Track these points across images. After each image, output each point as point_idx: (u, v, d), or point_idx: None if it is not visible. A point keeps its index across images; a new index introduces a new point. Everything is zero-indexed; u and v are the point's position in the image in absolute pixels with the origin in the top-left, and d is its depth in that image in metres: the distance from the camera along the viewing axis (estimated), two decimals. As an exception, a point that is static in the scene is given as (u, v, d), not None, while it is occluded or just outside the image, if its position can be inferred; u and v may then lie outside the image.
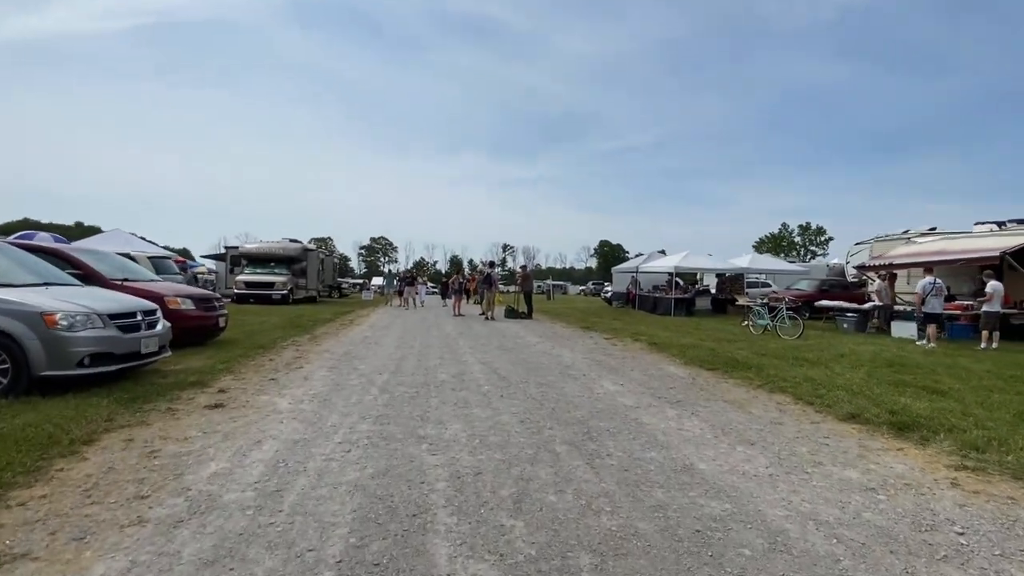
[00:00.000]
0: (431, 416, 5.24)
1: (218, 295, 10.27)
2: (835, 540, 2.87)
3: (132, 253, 14.01)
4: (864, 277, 18.81)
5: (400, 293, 24.75)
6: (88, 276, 8.25)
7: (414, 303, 23.89)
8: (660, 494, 3.43)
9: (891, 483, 3.71)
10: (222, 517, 2.98)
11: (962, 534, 2.97)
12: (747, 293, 21.74)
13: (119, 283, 8.54)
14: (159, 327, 6.88)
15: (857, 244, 25.66)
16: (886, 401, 5.88)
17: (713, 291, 23.56)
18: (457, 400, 5.94)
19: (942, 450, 4.42)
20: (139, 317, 6.50)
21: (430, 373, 7.56)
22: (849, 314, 14.69)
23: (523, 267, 20.13)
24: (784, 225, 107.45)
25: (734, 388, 6.93)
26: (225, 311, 10.26)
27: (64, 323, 5.50)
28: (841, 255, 27.48)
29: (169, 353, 7.23)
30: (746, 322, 16.11)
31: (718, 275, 23.22)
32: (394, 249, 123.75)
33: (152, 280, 9.51)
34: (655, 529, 2.96)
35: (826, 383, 6.87)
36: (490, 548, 2.71)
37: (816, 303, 16.97)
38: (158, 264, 14.55)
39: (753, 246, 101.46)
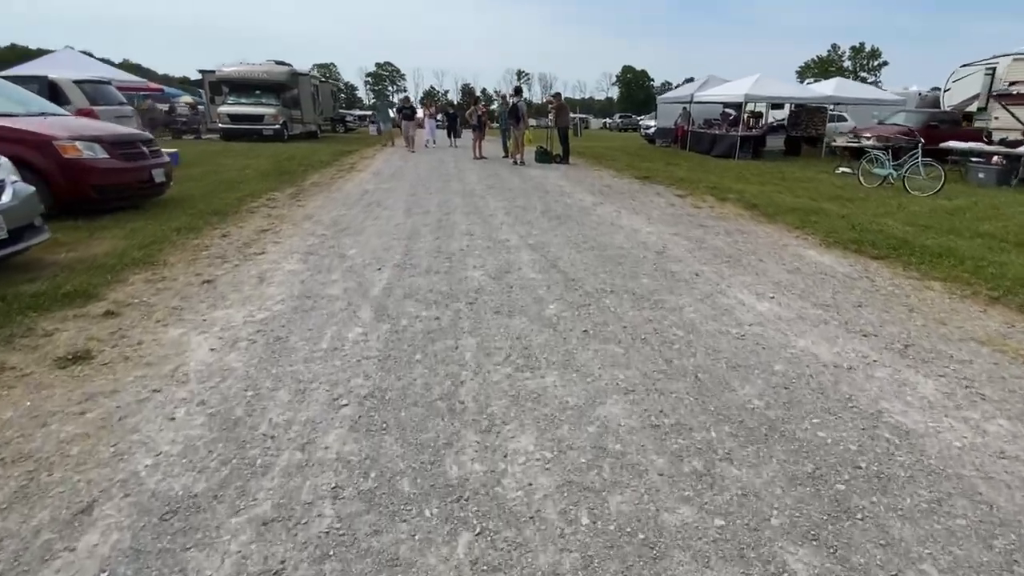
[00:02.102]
0: (465, 396, 2.67)
1: (148, 136, 7.28)
2: None
3: (52, 77, 10.67)
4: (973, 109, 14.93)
5: (397, 127, 19.39)
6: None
7: (411, 143, 18.20)
8: None
9: None
10: None
11: None
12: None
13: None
14: (5, 195, 4.13)
15: (964, 66, 20.88)
16: None
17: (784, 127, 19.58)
18: (510, 344, 3.32)
19: None
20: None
21: (456, 270, 4.87)
22: (990, 161, 11.30)
23: (556, 95, 16.17)
24: (834, 46, 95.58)
25: (955, 302, 4.20)
26: (164, 159, 7.35)
27: None
28: (896, 81, 22.47)
29: (45, 236, 4.57)
30: (843, 169, 12.83)
31: (796, 106, 19.08)
32: (402, 77, 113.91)
33: (45, 114, 6.50)
34: None
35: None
36: None
37: (939, 145, 13.32)
38: (91, 91, 11.24)
39: (797, 72, 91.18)
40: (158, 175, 6.97)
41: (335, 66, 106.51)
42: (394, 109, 20.25)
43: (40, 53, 28.68)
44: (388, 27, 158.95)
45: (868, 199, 9.10)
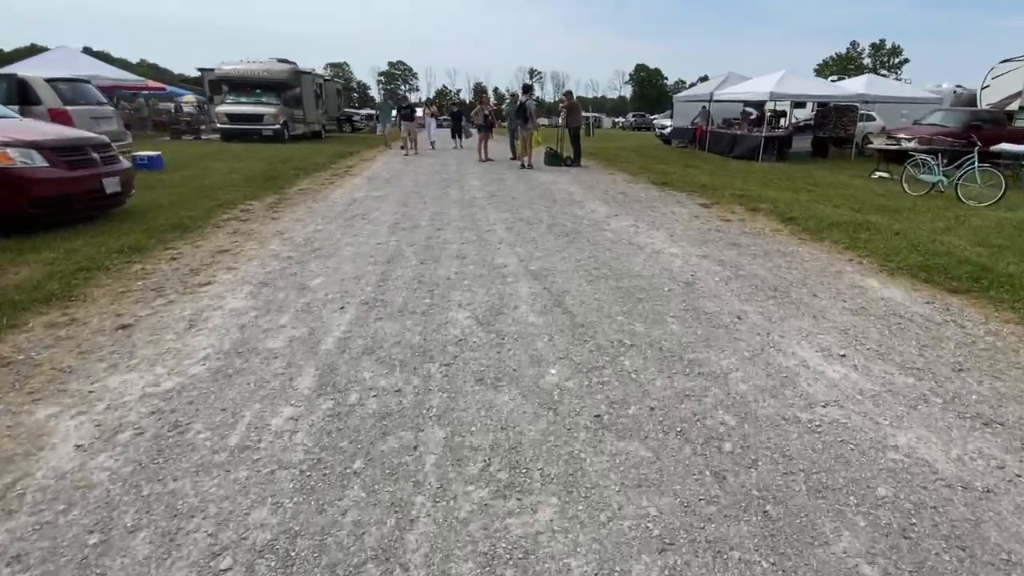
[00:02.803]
0: (412, 553, 1.73)
1: (102, 140, 6.41)
2: None
3: (21, 76, 9.89)
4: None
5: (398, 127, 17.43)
6: None
7: (413, 145, 16.41)
8: None
9: None
10: None
11: None
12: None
13: None
14: None
15: (1004, 62, 19.63)
16: None
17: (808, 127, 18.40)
18: (492, 442, 2.37)
19: None
20: None
21: (436, 310, 3.93)
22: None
23: (567, 94, 15.18)
24: (853, 44, 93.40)
25: (1085, 365, 3.19)
26: (120, 166, 6.49)
27: None
28: (917, 79, 21.02)
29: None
30: (880, 174, 11.74)
31: (821, 105, 17.92)
32: (414, 76, 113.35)
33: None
34: None
35: None
36: None
37: (990, 148, 12.10)
38: (67, 91, 10.44)
39: (815, 70, 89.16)
40: (110, 184, 6.11)
41: (348, 65, 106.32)
42: (395, 109, 18.66)
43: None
44: (401, 27, 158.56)
45: (918, 210, 8.03)
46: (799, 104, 21.35)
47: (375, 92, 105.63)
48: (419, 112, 19.53)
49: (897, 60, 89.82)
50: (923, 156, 9.51)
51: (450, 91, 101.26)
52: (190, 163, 12.01)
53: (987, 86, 19.60)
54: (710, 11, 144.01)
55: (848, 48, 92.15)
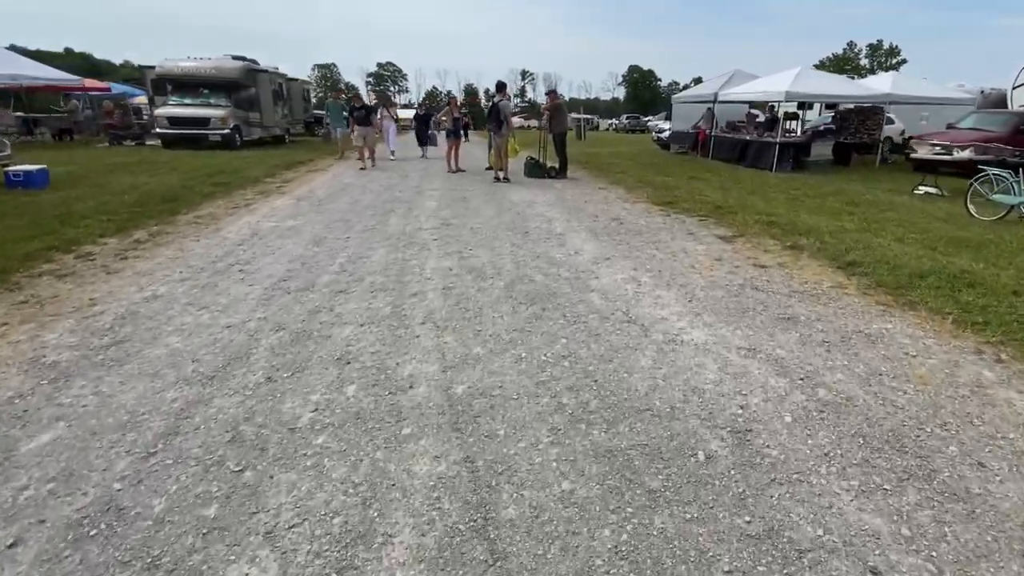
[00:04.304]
0: None
1: None
2: None
3: None
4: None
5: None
6: None
7: (370, 156, 13.24)
8: None
9: None
10: None
11: None
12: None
13: None
14: None
15: (1038, 59, 17.71)
16: None
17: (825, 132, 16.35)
18: None
19: None
20: None
21: (215, 554, 1.83)
22: None
23: (551, 93, 13.05)
24: (850, 44, 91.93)
25: None
26: None
27: None
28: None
29: None
30: (927, 189, 9.72)
31: (829, 106, 15.92)
32: (404, 77, 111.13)
33: None
34: None
35: None
36: None
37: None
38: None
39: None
40: None
41: (336, 66, 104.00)
42: (348, 111, 14.49)
43: (37, 54, 26.03)
44: (390, 28, 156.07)
45: (1006, 245, 6.00)
46: (808, 105, 19.42)
47: (363, 93, 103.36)
48: (379, 115, 15.80)
49: (895, 61, 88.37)
50: (996, 171, 7.47)
51: (440, 93, 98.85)
52: (90, 177, 9.86)
53: (1021, 85, 17.66)
54: (706, 11, 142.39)
55: (845, 48, 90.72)
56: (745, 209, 8.06)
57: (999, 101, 18.67)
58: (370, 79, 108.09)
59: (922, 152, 10.63)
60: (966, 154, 9.46)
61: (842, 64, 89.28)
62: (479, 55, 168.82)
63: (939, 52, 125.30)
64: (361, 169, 12.69)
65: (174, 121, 16.16)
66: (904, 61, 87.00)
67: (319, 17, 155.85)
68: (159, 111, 16.58)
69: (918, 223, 7.32)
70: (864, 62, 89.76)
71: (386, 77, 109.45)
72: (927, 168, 10.51)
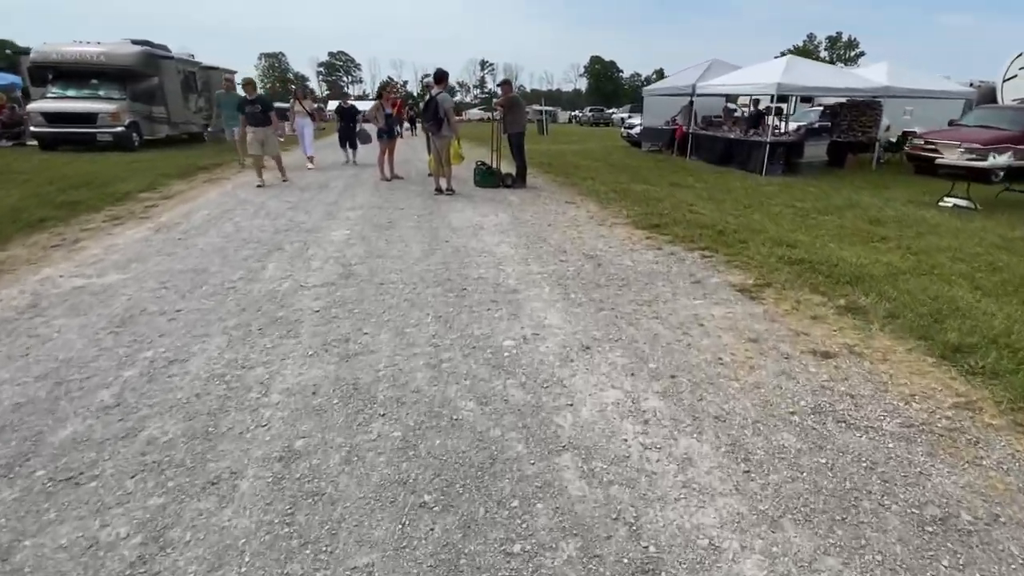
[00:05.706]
0: None
1: None
2: None
3: None
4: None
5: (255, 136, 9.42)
6: None
7: (281, 172, 10.03)
8: None
9: None
10: None
11: None
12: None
13: None
14: None
15: (1024, 54, 16.50)
16: None
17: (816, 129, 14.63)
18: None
19: None
20: None
21: None
22: None
23: (504, 84, 10.78)
24: (810, 37, 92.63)
25: None
26: None
27: None
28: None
29: None
30: (956, 201, 8.05)
31: (804, 99, 14.30)
32: (357, 67, 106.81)
33: None
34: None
35: None
36: None
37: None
38: None
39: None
40: None
41: (284, 55, 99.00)
42: (244, 105, 9.47)
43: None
44: (343, 15, 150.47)
45: None
46: (782, 98, 17.81)
47: (315, 84, 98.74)
48: (296, 109, 12.51)
49: (853, 53, 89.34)
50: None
51: (395, 83, 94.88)
52: None
53: (1013, 77, 16.40)
54: (666, 4, 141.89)
55: (805, 40, 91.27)
56: (754, 234, 6.18)
57: (989, 95, 17.43)
58: (321, 69, 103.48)
59: (950, 157, 8.93)
60: (1003, 159, 7.77)
61: (803, 56, 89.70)
62: (437, 45, 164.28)
63: (891, 47, 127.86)
64: (258, 186, 9.36)
65: (52, 118, 13.37)
66: (862, 54, 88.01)
67: (268, 4, 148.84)
68: (32, 106, 13.78)
69: (979, 254, 5.58)
70: (824, 54, 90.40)
71: (338, 67, 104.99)
72: (950, 175, 8.84)
